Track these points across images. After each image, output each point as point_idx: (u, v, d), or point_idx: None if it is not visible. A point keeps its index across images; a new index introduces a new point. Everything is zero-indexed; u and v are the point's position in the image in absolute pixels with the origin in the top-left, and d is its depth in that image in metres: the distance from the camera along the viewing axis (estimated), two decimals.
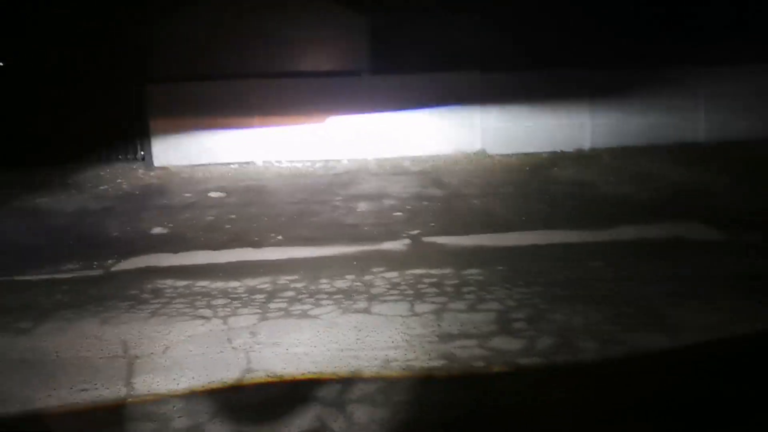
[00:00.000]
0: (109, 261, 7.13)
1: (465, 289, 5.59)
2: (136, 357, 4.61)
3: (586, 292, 5.38)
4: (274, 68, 15.79)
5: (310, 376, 4.17)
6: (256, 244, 7.55)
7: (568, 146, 12.46)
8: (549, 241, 7.15)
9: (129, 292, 6.03)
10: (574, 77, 12.60)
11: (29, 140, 13.13)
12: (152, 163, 12.64)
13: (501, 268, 6.13)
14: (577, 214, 8.38)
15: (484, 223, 8.05)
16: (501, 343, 4.49)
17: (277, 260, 6.92)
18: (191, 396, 3.99)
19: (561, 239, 7.19)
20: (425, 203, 9.17)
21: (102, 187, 11.26)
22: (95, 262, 7.11)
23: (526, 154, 12.31)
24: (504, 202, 9.09)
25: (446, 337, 4.63)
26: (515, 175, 10.98)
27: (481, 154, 12.48)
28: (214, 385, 4.11)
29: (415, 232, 7.73)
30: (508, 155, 12.35)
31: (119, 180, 11.81)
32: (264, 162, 12.59)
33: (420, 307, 5.23)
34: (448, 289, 5.64)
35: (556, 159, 12.02)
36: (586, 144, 12.62)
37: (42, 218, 9.29)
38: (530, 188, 9.91)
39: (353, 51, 16.07)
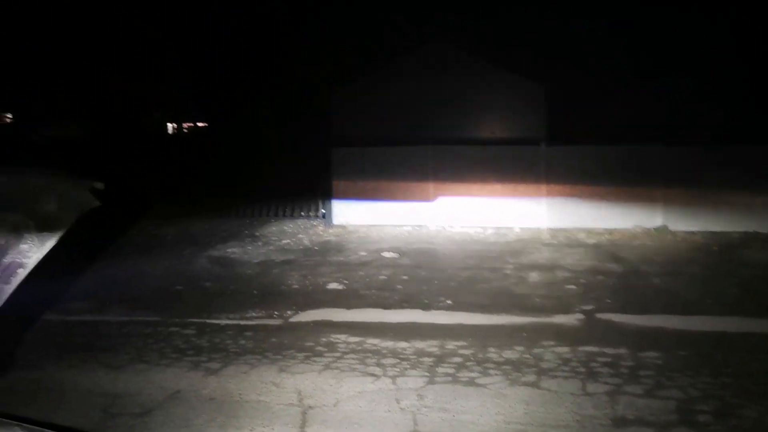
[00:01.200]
0: (289, 312, 7.59)
1: (642, 373, 5.30)
2: (310, 407, 4.85)
3: None
4: (452, 135, 16.19)
5: None
6: (426, 307, 7.68)
7: (763, 227, 11.45)
8: (739, 329, 6.58)
9: (305, 344, 6.37)
10: None
11: (227, 194, 14.50)
12: (331, 221, 13.33)
13: (683, 353, 5.75)
14: None
15: (665, 303, 7.59)
16: None
17: (446, 324, 6.98)
18: None
19: (754, 328, 6.58)
20: (600, 278, 8.83)
21: (285, 241, 12.03)
22: (276, 312, 7.60)
23: (713, 233, 11.47)
24: (688, 283, 8.51)
25: (620, 422, 4.40)
26: (701, 254, 10.27)
27: (663, 230, 11.82)
28: None
29: (589, 307, 7.46)
30: (692, 233, 11.59)
31: (300, 235, 12.56)
32: (436, 226, 12.82)
33: (592, 387, 5.03)
34: (624, 370, 5.37)
35: (749, 239, 11.07)
36: None
37: (233, 266, 10.10)
38: (718, 270, 9.19)
39: (531, 120, 16.10)
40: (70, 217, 2.54)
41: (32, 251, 2.56)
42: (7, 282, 2.53)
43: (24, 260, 2.54)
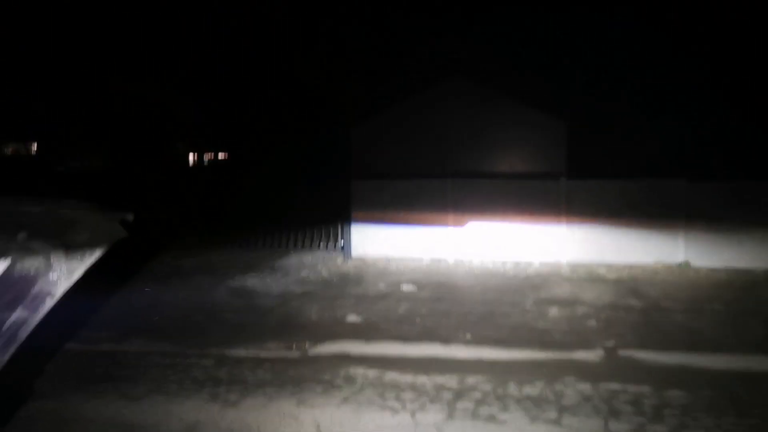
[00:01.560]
0: (307, 344, 7.58)
1: (666, 412, 5.22)
2: None
3: None
4: (472, 168, 16.26)
5: None
6: (445, 341, 7.63)
7: None
8: (765, 367, 6.48)
9: (323, 377, 6.35)
10: None
11: (247, 226, 14.65)
12: (350, 253, 13.35)
13: (707, 392, 5.65)
14: None
15: (688, 341, 7.48)
16: None
17: (466, 359, 6.93)
18: None
19: None
20: (622, 314, 8.73)
21: (304, 273, 12.05)
22: (295, 344, 7.58)
23: (737, 270, 11.34)
24: (711, 320, 8.39)
25: None
26: (724, 291, 10.13)
27: (684, 266, 11.70)
28: None
29: (610, 343, 7.37)
30: (715, 269, 11.46)
31: (319, 267, 12.58)
32: (455, 259, 12.79)
33: (615, 425, 4.96)
34: (647, 409, 5.30)
35: None
36: None
37: (252, 298, 10.12)
38: (742, 307, 9.04)
39: (551, 154, 16.13)
40: (99, 248, 2.59)
41: (61, 281, 2.60)
42: (35, 311, 2.57)
43: (53, 290, 2.59)
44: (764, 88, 16.34)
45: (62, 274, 2.57)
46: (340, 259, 13.17)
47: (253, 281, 11.26)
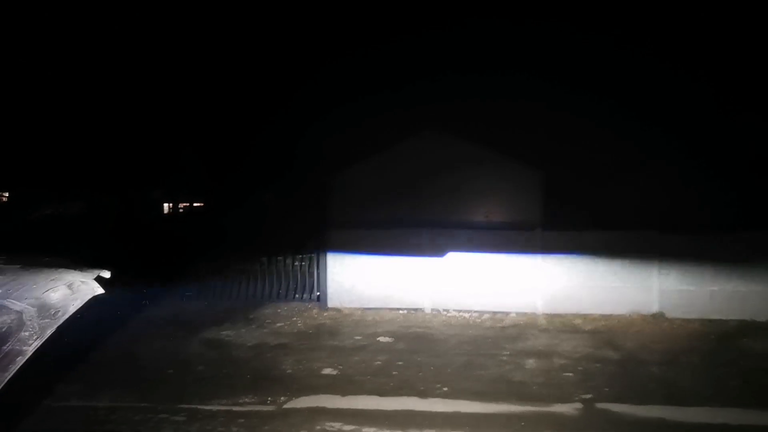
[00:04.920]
0: (282, 398, 7.44)
1: None
2: None
3: None
4: (448, 217, 16.36)
5: None
6: (423, 394, 7.55)
7: (760, 315, 11.42)
8: (741, 421, 6.49)
9: None
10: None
11: (221, 275, 14.50)
12: (326, 304, 13.24)
13: None
14: None
15: (666, 393, 7.48)
16: None
17: (443, 412, 6.86)
18: None
19: (755, 420, 6.50)
20: (598, 365, 8.73)
21: (279, 324, 11.91)
22: (269, 398, 7.46)
23: (711, 321, 11.44)
24: (687, 373, 8.41)
25: None
26: (699, 342, 10.19)
27: (659, 317, 11.78)
28: None
29: (588, 396, 7.35)
30: (689, 320, 11.55)
31: (295, 318, 12.44)
32: (432, 309, 12.75)
33: None
34: None
35: (746, 328, 11.02)
36: None
37: (225, 350, 9.96)
38: (718, 359, 9.09)
39: (527, 205, 16.33)
40: (73, 305, 2.54)
41: (32, 339, 2.54)
42: (5, 370, 2.50)
43: (23, 348, 2.53)
44: (732, 141, 16.83)
45: (35, 332, 2.51)
46: (316, 310, 13.06)
47: (227, 332, 11.10)
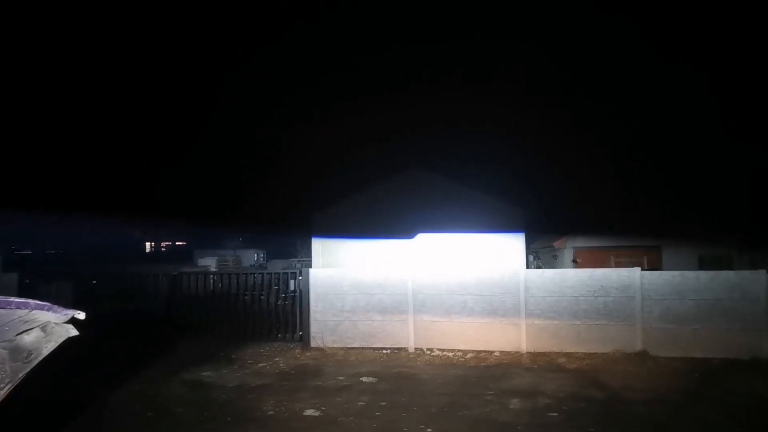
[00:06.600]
0: None
1: None
2: None
3: None
4: (432, 258, 16.37)
5: None
6: None
7: (742, 353, 11.43)
8: None
9: None
10: (748, 278, 11.88)
11: (202, 315, 14.34)
12: (309, 344, 13.10)
13: None
14: None
15: None
16: None
17: None
18: None
19: None
20: (583, 405, 8.66)
21: (261, 364, 11.75)
22: None
23: (693, 359, 11.45)
24: (672, 412, 8.35)
25: None
26: (683, 381, 10.16)
27: (642, 356, 11.76)
28: None
29: None
30: (672, 358, 11.54)
31: (277, 358, 12.29)
32: (416, 349, 12.66)
33: None
34: None
35: (728, 366, 11.03)
36: (766, 352, 11.50)
37: (206, 391, 9.77)
38: (703, 398, 9.05)
39: (511, 243, 16.41)
40: (46, 348, 2.48)
41: (3, 383, 2.47)
42: None
43: None
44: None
45: (6, 376, 2.44)
46: (298, 350, 12.92)
47: (208, 373, 10.92)
